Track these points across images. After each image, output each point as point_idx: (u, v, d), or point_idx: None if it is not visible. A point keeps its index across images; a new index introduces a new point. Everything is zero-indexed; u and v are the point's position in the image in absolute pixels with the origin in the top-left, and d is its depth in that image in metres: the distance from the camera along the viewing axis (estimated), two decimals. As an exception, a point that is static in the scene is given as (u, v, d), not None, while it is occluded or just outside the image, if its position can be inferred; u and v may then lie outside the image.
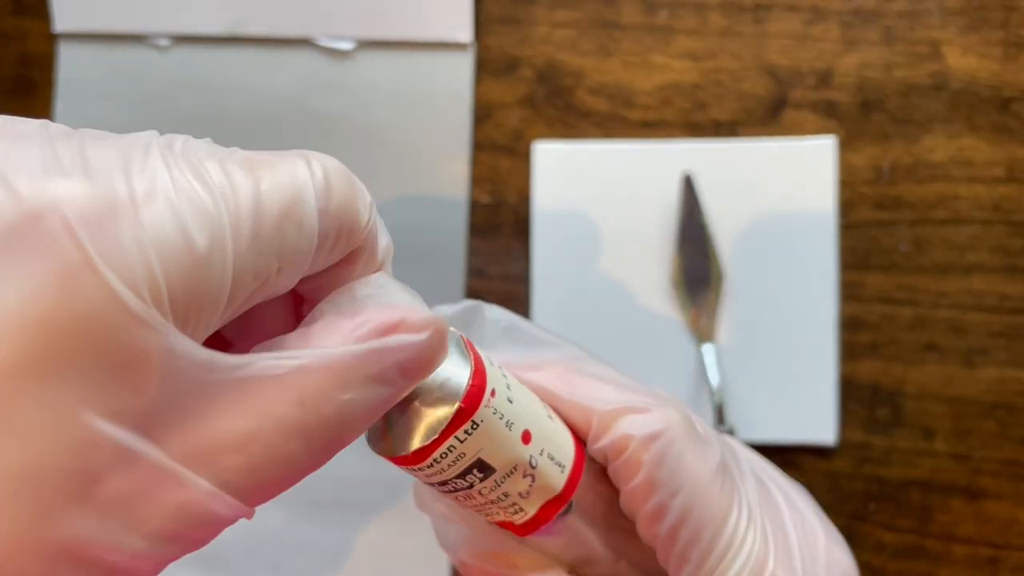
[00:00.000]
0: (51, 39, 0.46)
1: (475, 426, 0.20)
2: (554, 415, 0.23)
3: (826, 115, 0.43)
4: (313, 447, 0.17)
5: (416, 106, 0.45)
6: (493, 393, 0.21)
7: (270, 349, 0.18)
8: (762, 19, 0.43)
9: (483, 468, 0.21)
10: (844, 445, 0.42)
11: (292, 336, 0.18)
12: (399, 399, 0.18)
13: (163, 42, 0.45)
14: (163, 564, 0.16)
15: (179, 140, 0.17)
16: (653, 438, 0.23)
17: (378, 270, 0.20)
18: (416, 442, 0.20)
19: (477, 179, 0.44)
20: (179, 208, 0.15)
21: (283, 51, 0.45)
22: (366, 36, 0.45)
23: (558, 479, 0.23)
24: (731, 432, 0.41)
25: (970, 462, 0.42)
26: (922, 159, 0.42)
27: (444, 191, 0.44)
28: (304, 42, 0.45)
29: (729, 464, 0.25)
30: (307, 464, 0.17)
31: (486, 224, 0.44)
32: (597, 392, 0.24)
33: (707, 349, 0.42)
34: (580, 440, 0.24)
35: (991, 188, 0.42)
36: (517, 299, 0.44)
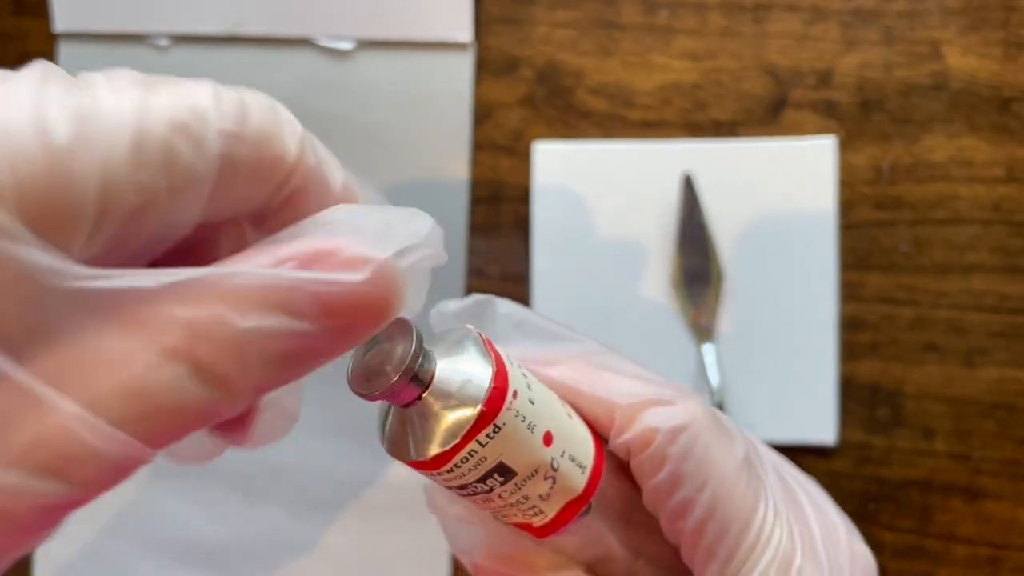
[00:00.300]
0: (51, 39, 0.46)
1: (497, 430, 0.20)
2: (573, 413, 0.23)
3: (826, 115, 0.43)
4: (207, 379, 0.14)
5: (416, 106, 0.45)
6: (515, 395, 0.20)
7: None
8: (762, 19, 0.43)
9: (504, 472, 0.20)
10: (844, 445, 0.42)
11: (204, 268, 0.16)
12: (333, 350, 0.16)
13: (163, 42, 0.45)
14: (53, 510, 0.14)
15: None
16: (679, 431, 0.22)
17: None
18: (435, 447, 0.19)
19: (477, 179, 0.44)
20: (38, 100, 0.14)
21: (283, 51, 0.45)
22: (366, 36, 0.45)
23: (579, 480, 0.22)
24: (731, 432, 0.41)
25: (970, 462, 0.42)
26: (922, 159, 0.42)
27: (444, 191, 0.44)
28: (304, 42, 0.45)
29: (752, 459, 0.25)
30: (203, 399, 0.15)
31: (486, 224, 0.44)
32: (618, 385, 0.23)
33: (707, 349, 0.42)
34: (600, 437, 0.24)
35: (991, 188, 0.42)
36: (517, 299, 0.44)
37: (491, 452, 0.20)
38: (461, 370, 0.20)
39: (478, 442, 0.19)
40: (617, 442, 0.23)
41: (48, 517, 0.14)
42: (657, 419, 0.23)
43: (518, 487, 0.21)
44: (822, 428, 0.42)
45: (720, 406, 0.41)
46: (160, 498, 0.45)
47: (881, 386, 0.42)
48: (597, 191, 0.43)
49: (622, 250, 0.43)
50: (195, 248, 0.18)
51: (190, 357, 0.14)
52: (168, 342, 0.14)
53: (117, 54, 0.46)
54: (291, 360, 0.15)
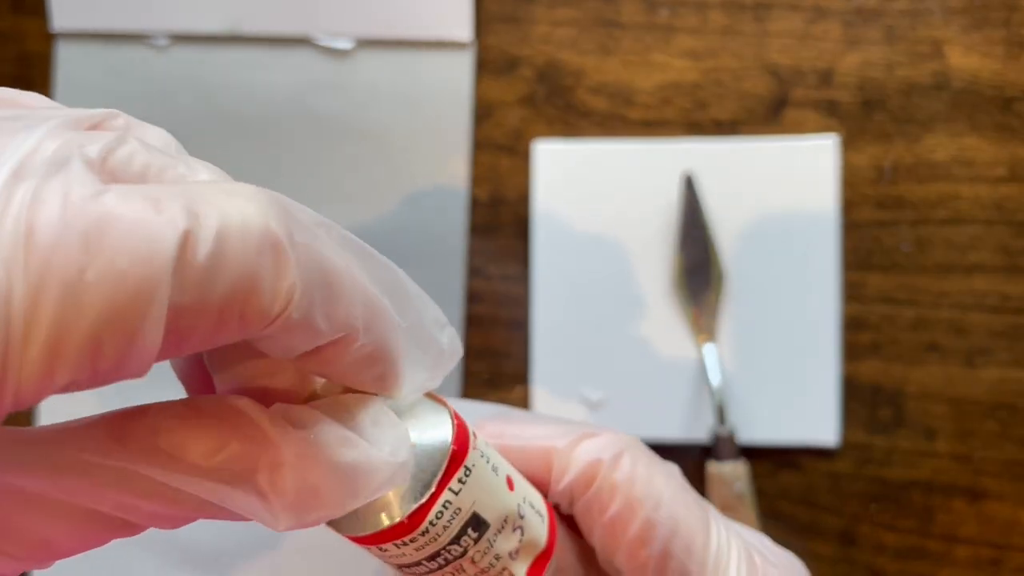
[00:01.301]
0: (49, 38, 0.46)
1: (468, 472, 0.18)
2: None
3: (827, 114, 0.43)
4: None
5: (416, 105, 0.45)
6: (475, 435, 0.19)
7: None
8: (763, 18, 0.43)
9: (478, 525, 0.19)
10: (846, 446, 0.42)
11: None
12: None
13: (162, 41, 0.45)
14: None
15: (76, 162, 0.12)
16: (619, 456, 0.22)
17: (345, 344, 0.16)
18: (410, 503, 0.17)
19: (477, 179, 0.44)
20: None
21: (282, 50, 0.45)
22: (365, 35, 0.45)
23: (542, 530, 0.21)
24: (731, 433, 0.41)
25: (972, 463, 0.42)
26: (924, 159, 0.42)
27: (444, 191, 0.44)
28: (303, 41, 0.45)
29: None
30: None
31: (486, 224, 0.44)
32: (544, 431, 0.23)
33: (708, 349, 0.42)
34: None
35: (993, 188, 0.42)
36: (517, 299, 0.44)
37: (465, 501, 0.19)
38: (418, 421, 0.18)
39: (451, 490, 0.18)
40: (560, 488, 0.22)
41: None
42: (596, 450, 0.22)
43: (491, 544, 0.20)
44: (823, 429, 0.42)
45: (720, 406, 0.41)
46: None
47: (882, 386, 0.42)
48: (597, 191, 0.43)
49: (622, 250, 0.43)
50: None
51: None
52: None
53: (116, 53, 0.45)
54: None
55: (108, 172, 0.13)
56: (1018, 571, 0.41)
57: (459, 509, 0.18)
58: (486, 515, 0.19)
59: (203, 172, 0.15)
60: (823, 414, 0.42)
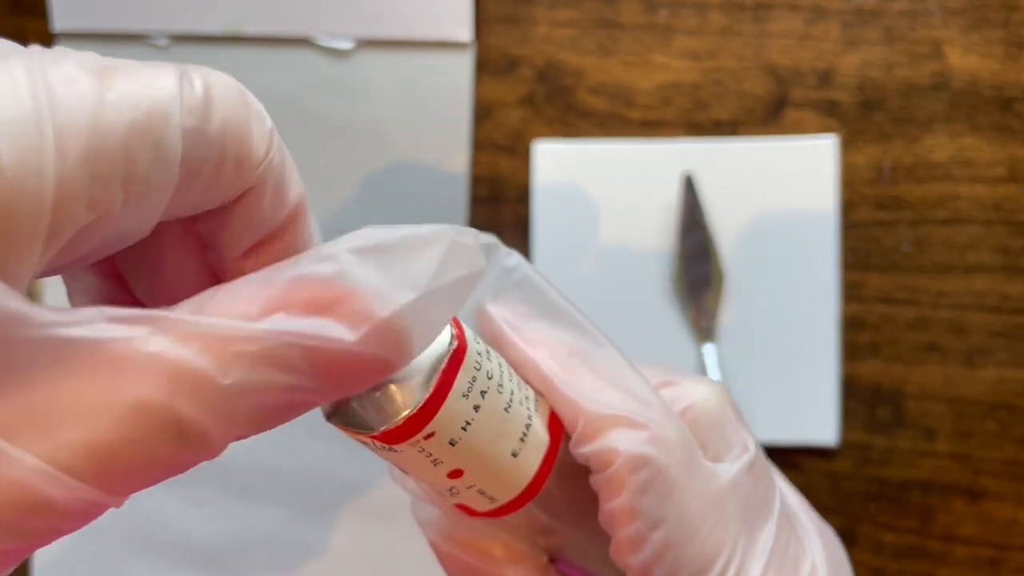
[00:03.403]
0: (50, 38, 0.46)
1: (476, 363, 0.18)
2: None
3: (827, 115, 0.43)
4: (183, 434, 0.13)
5: (416, 106, 0.45)
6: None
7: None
8: (763, 18, 0.43)
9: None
10: (845, 445, 0.42)
11: (187, 303, 0.14)
12: (323, 400, 0.15)
13: (162, 42, 0.45)
14: (6, 557, 0.13)
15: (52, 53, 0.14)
16: (641, 462, 0.20)
17: (292, 215, 0.17)
18: (424, 388, 0.17)
19: (477, 179, 0.44)
20: None
21: (283, 50, 0.45)
22: (366, 35, 0.45)
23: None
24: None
25: (971, 462, 0.42)
26: (923, 159, 0.42)
27: (444, 191, 0.44)
28: (304, 41, 0.45)
29: (739, 496, 0.22)
30: (178, 452, 0.13)
31: (486, 224, 0.44)
32: (593, 389, 0.21)
33: (707, 349, 0.42)
34: (560, 431, 0.21)
35: (992, 188, 0.42)
36: (517, 299, 0.44)
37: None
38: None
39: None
40: (577, 451, 0.21)
41: (5, 565, 0.13)
42: (622, 442, 0.20)
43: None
44: (823, 428, 0.42)
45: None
46: (158, 498, 0.45)
47: (882, 386, 0.42)
48: (597, 191, 0.43)
49: (622, 250, 0.43)
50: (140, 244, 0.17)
51: (167, 412, 0.13)
52: (143, 395, 0.13)
53: (116, 53, 0.45)
54: (277, 412, 0.14)
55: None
56: (1017, 571, 0.41)
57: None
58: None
59: None
60: (822, 414, 0.42)
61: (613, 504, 0.20)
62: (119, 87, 0.14)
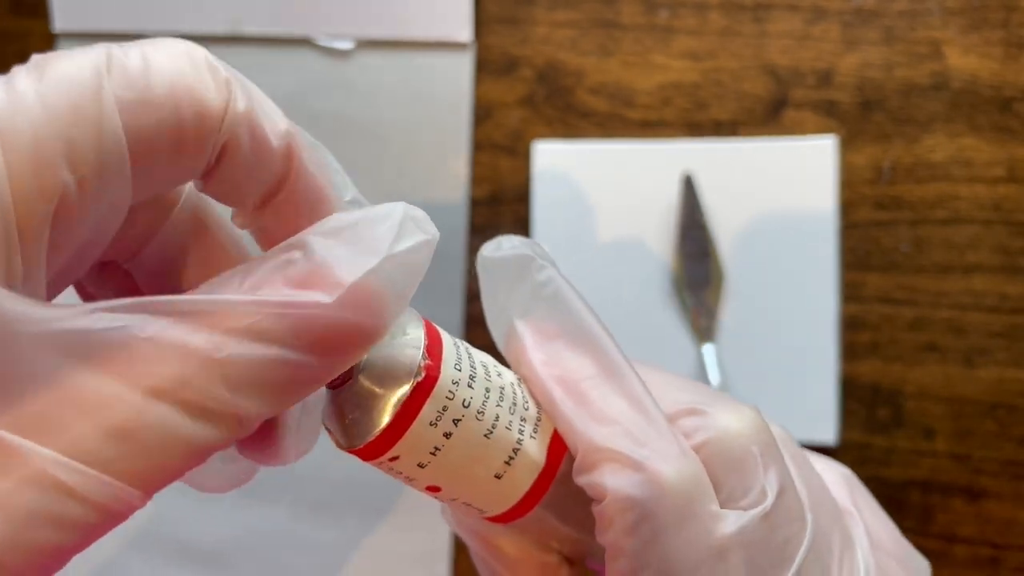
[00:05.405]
0: (51, 39, 0.46)
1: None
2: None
3: (826, 115, 0.43)
4: (196, 415, 0.14)
5: (416, 106, 0.45)
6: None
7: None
8: (762, 19, 0.43)
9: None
10: (844, 445, 0.42)
11: (178, 296, 0.15)
12: (323, 374, 0.16)
13: (163, 42, 0.45)
14: (47, 557, 0.13)
15: None
16: (628, 503, 0.19)
17: (285, 154, 0.17)
18: (404, 385, 0.18)
19: (477, 179, 0.44)
20: None
21: (283, 51, 0.45)
22: (366, 35, 0.45)
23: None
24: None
25: (970, 462, 0.42)
26: (922, 159, 0.42)
27: (444, 191, 0.44)
28: (304, 42, 0.45)
29: (747, 547, 0.20)
30: (194, 436, 0.14)
31: (486, 224, 0.44)
32: (596, 420, 0.20)
33: (707, 349, 0.42)
34: (564, 452, 0.21)
35: (991, 188, 0.42)
36: (517, 299, 0.44)
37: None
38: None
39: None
40: (576, 479, 0.21)
41: (45, 566, 0.13)
42: (612, 480, 0.19)
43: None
44: (822, 428, 0.42)
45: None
46: (158, 498, 0.45)
47: (881, 386, 0.42)
48: (597, 191, 0.43)
49: (622, 250, 0.43)
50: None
51: (170, 391, 0.14)
52: (151, 382, 0.14)
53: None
54: (282, 387, 0.15)
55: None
56: (1017, 570, 0.41)
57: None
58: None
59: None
60: (822, 414, 0.42)
61: (603, 537, 0.20)
62: (48, 75, 0.14)
